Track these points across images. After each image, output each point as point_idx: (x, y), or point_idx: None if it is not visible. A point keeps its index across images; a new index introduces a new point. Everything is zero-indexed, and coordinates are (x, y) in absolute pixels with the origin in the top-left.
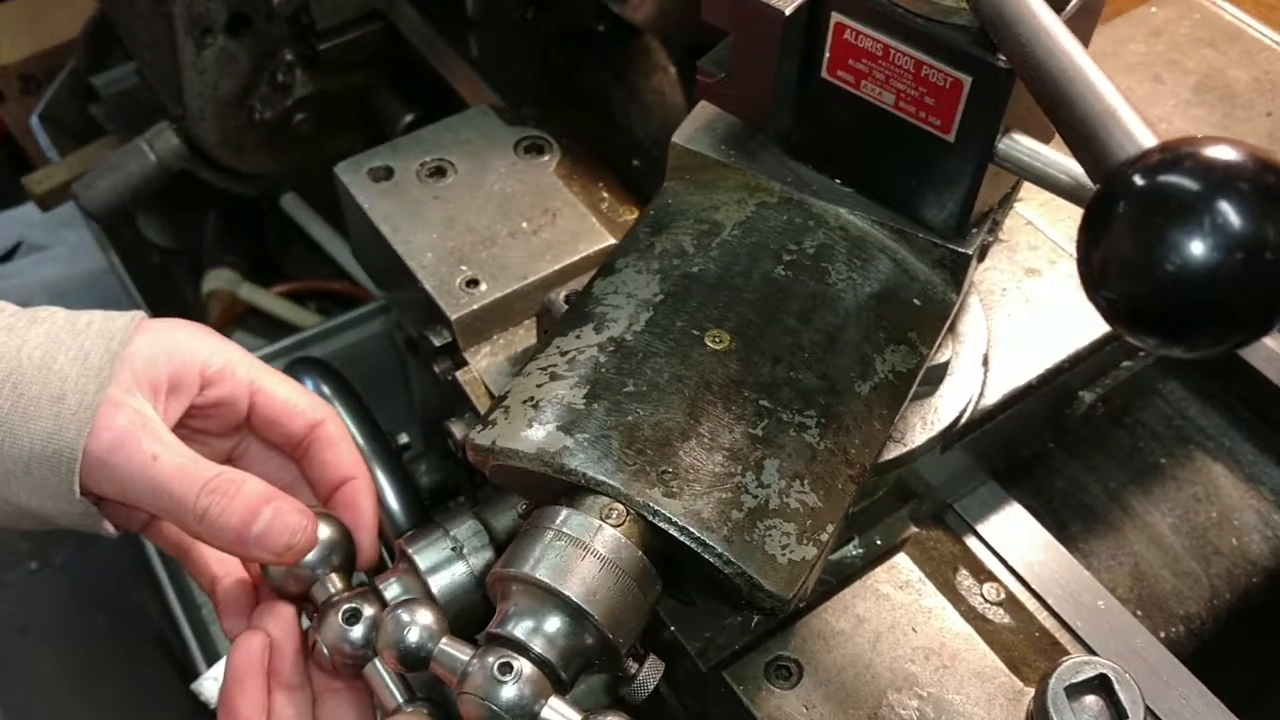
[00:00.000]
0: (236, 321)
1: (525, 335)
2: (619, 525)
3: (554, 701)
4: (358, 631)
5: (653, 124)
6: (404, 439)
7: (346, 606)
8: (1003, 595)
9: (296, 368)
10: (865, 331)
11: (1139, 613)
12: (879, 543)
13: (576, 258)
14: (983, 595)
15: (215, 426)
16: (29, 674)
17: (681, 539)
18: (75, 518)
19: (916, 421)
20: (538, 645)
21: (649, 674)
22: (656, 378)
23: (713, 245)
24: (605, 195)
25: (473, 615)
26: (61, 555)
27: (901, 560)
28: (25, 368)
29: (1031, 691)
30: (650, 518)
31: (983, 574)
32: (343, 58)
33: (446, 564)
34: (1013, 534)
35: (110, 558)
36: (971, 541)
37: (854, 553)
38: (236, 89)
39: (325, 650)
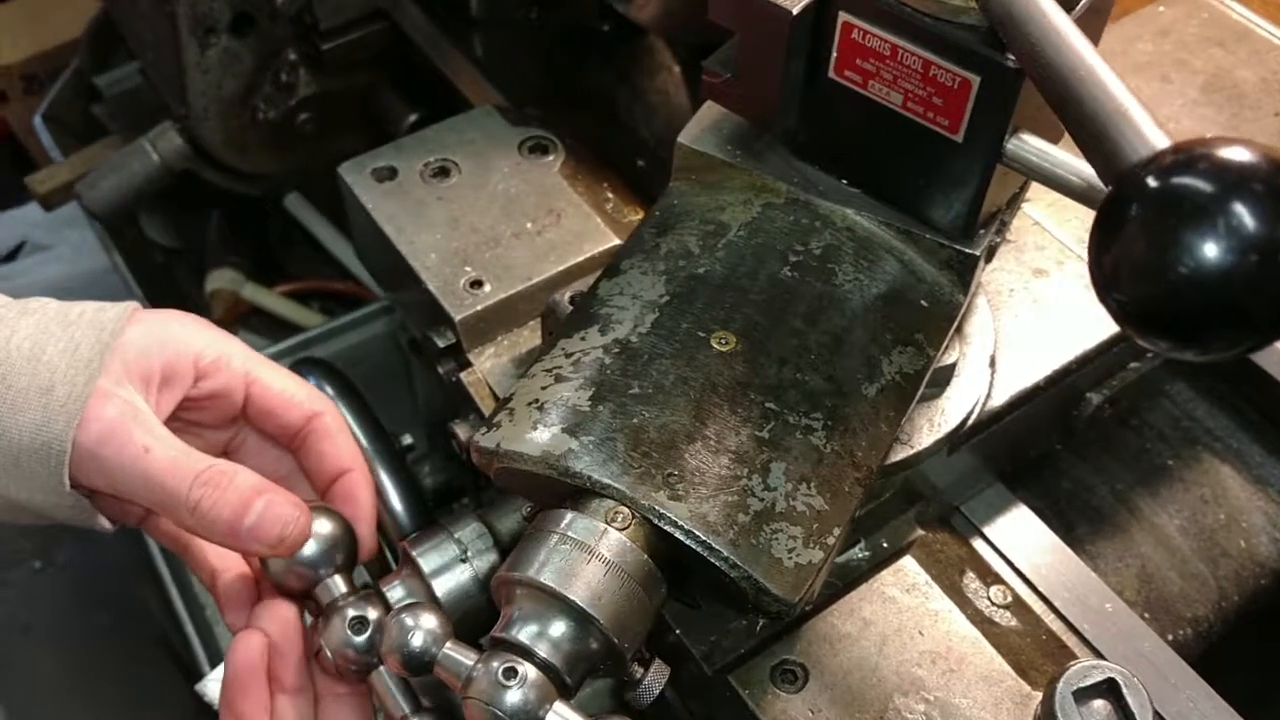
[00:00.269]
0: (240, 321)
1: (530, 336)
2: (624, 529)
3: (559, 706)
4: (364, 638)
5: (658, 124)
6: (408, 440)
7: (353, 615)
8: (1009, 598)
9: (300, 368)
10: (872, 333)
11: (1146, 615)
12: (885, 545)
13: (581, 258)
14: (989, 598)
15: (211, 418)
16: (31, 673)
17: (687, 543)
18: (67, 511)
19: (923, 423)
20: (542, 650)
21: (654, 678)
22: (662, 380)
23: (718, 246)
24: (610, 196)
25: (477, 618)
26: (64, 554)
27: (908, 563)
28: (14, 359)
29: (1039, 696)
30: (656, 521)
31: (989, 577)
32: (346, 57)
33: (450, 567)
34: (1019, 536)
35: (114, 555)
36: (978, 544)
37: (860, 555)
38: (240, 89)
39: (330, 655)
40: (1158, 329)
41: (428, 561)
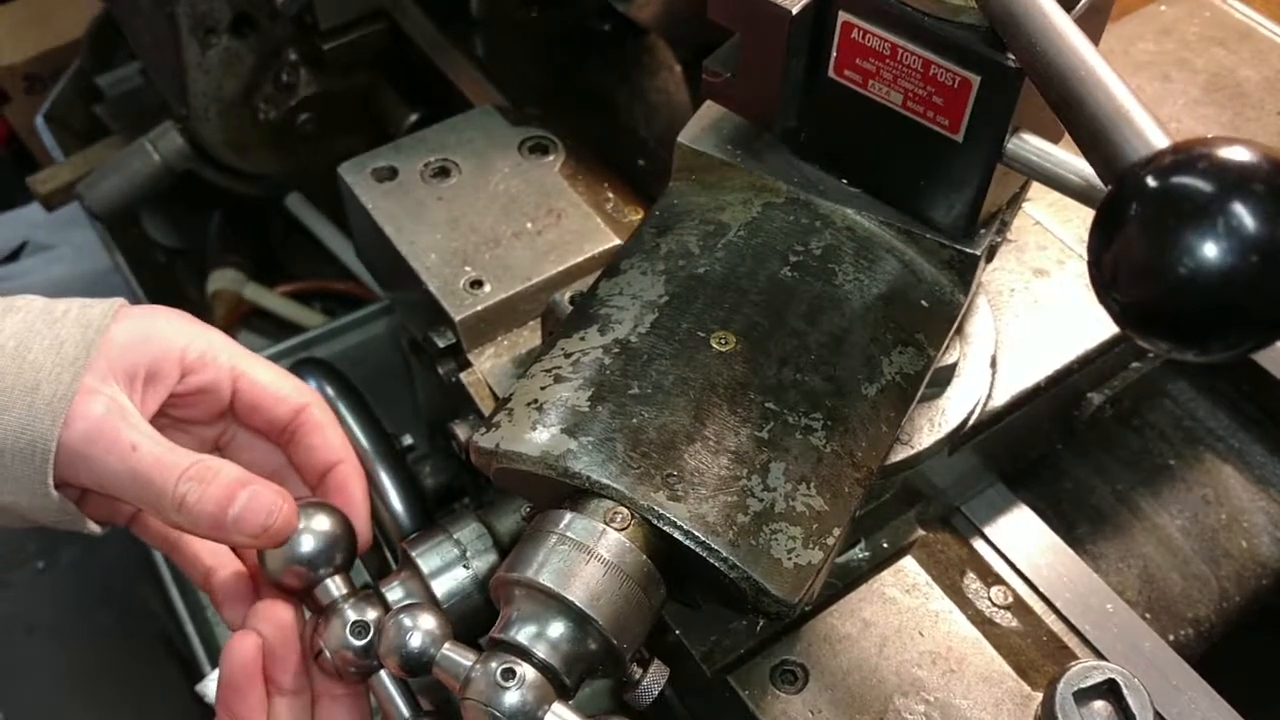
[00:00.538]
0: (241, 321)
1: (530, 337)
2: (623, 529)
3: (557, 707)
4: (364, 640)
5: (658, 124)
6: (408, 440)
7: (353, 617)
8: (1010, 599)
9: (300, 369)
10: (872, 333)
11: (1148, 615)
12: (885, 546)
13: (581, 258)
14: (990, 599)
15: (198, 414)
16: (35, 673)
17: (686, 543)
18: (53, 515)
19: (924, 423)
20: (541, 651)
21: (654, 679)
22: (662, 380)
23: (718, 246)
24: (610, 195)
25: (476, 618)
26: (68, 554)
27: (908, 564)
28: None
29: (1039, 696)
30: (655, 521)
31: (990, 577)
32: (347, 57)
33: (450, 568)
34: (1020, 536)
35: (116, 556)
36: (979, 544)
37: (860, 556)
38: (240, 89)
39: (330, 656)
40: (1158, 329)
41: (427, 562)
